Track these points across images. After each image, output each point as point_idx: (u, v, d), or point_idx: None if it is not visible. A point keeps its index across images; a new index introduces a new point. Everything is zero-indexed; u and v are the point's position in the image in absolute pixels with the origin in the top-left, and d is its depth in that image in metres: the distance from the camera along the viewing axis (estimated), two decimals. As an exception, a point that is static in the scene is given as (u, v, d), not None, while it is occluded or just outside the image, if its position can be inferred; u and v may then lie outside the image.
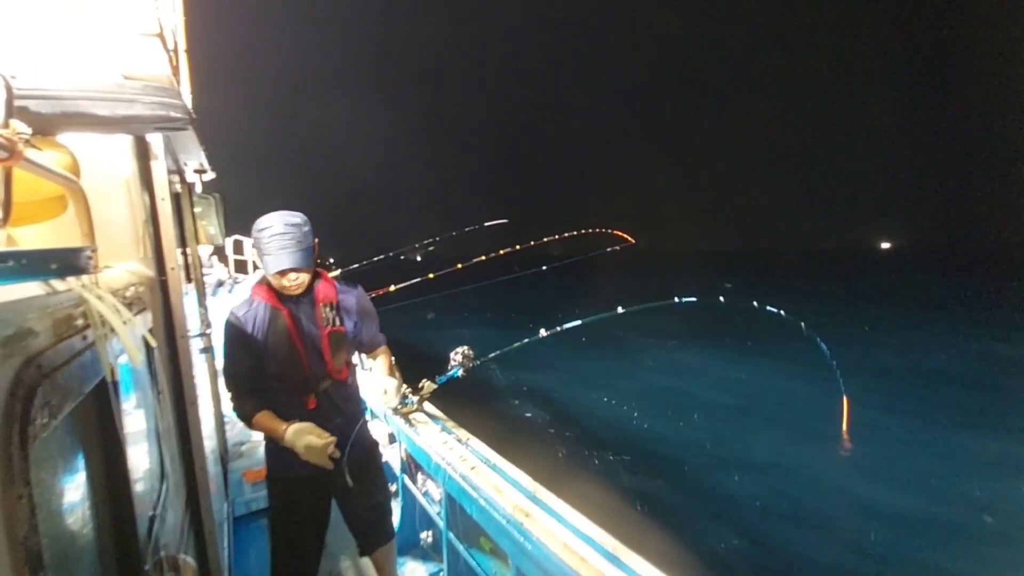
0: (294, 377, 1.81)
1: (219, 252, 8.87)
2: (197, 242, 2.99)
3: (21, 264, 0.56)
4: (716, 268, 63.45)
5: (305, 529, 1.92)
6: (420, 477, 2.64)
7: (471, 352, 2.57)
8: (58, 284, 0.68)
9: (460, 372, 2.51)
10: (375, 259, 4.52)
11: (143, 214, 1.48)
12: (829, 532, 5.64)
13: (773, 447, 7.79)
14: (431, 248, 4.79)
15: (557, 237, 4.67)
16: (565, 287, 28.56)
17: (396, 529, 2.19)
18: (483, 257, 4.36)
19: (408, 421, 2.44)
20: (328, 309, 1.87)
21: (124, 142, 1.45)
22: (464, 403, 3.11)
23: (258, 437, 3.28)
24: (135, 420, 1.06)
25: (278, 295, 1.82)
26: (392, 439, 2.87)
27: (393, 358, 2.19)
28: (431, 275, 4.32)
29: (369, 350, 2.10)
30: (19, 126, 0.64)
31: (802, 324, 3.23)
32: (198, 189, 3.15)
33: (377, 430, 2.71)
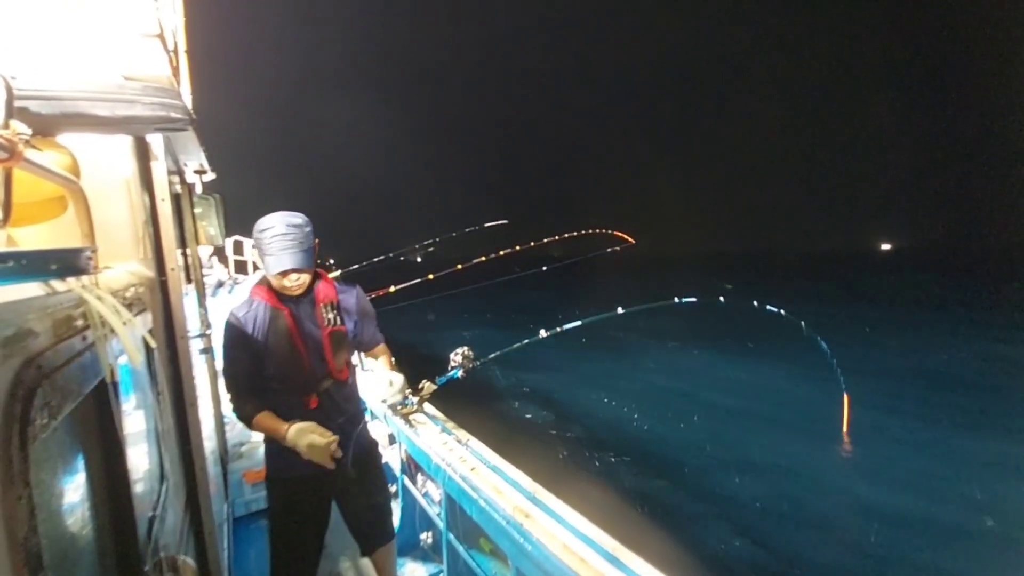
0: (294, 377, 1.81)
1: (219, 253, 8.87)
2: (197, 243, 2.99)
3: (21, 265, 0.56)
4: (716, 269, 63.48)
5: (305, 530, 1.92)
6: (420, 478, 2.64)
7: (471, 353, 2.57)
8: (58, 285, 0.68)
9: (460, 373, 2.51)
10: (375, 260, 4.52)
11: (143, 215, 1.48)
12: (829, 533, 5.63)
13: (773, 447, 7.78)
14: (431, 249, 4.79)
15: (557, 238, 4.67)
16: (565, 288, 28.56)
17: (396, 530, 2.19)
18: (483, 258, 4.36)
19: (408, 422, 2.43)
20: (328, 309, 1.87)
21: (124, 143, 1.45)
22: (464, 404, 3.11)
23: (258, 438, 3.28)
24: (135, 421, 1.06)
25: (278, 295, 1.82)
26: (392, 440, 2.87)
27: (393, 358, 2.20)
28: (431, 276, 4.32)
29: (368, 349, 2.10)
30: (19, 127, 0.64)
31: (802, 323, 3.23)
32: (198, 190, 3.15)
33: (377, 431, 2.71)
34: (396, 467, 2.85)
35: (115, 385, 0.81)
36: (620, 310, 2.96)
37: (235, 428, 3.61)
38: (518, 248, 4.45)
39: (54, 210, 0.95)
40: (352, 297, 1.97)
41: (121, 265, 1.26)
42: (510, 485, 1.77)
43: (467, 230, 4.86)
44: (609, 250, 4.76)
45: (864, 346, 13.89)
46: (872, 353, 13.09)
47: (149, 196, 1.58)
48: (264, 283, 1.85)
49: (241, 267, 9.27)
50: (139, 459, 1.02)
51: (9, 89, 0.65)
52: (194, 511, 1.61)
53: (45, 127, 0.85)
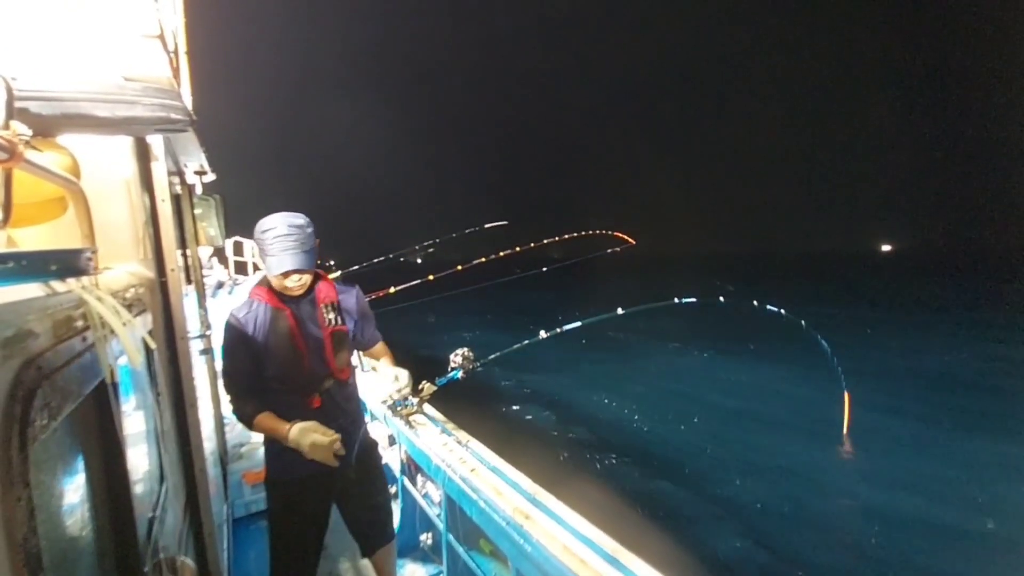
0: (295, 378, 1.81)
1: (219, 254, 8.87)
2: (197, 243, 2.99)
3: (21, 265, 0.56)
4: (716, 269, 63.49)
5: (305, 531, 1.92)
6: (420, 479, 2.64)
7: (471, 354, 2.57)
8: (58, 285, 0.68)
9: (460, 374, 2.51)
10: (375, 261, 4.51)
11: (143, 216, 1.49)
12: (830, 534, 5.63)
13: (774, 448, 7.77)
14: (431, 250, 4.79)
15: (557, 239, 4.67)
16: (565, 289, 28.55)
17: (396, 531, 2.19)
18: (483, 259, 4.36)
19: (408, 423, 2.43)
20: (329, 309, 1.88)
21: (124, 144, 1.45)
22: (464, 405, 3.11)
23: (257, 439, 3.28)
24: (134, 422, 1.06)
25: (279, 296, 1.82)
26: (392, 441, 2.87)
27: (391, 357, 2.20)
28: (431, 277, 4.32)
29: (368, 348, 2.11)
30: (19, 128, 0.64)
31: (802, 322, 3.24)
32: (198, 191, 3.15)
33: (377, 431, 2.71)
34: (396, 468, 2.85)
35: (115, 386, 0.81)
36: (620, 311, 2.96)
37: (235, 429, 3.61)
38: (518, 249, 4.45)
39: (54, 211, 0.95)
40: (352, 297, 1.98)
41: (121, 266, 1.26)
42: (510, 486, 1.77)
43: (467, 231, 4.85)
44: (609, 251, 4.77)
45: (865, 347, 13.88)
46: (872, 354, 13.08)
47: (149, 197, 1.58)
48: (264, 284, 1.86)
49: (241, 268, 9.27)
50: (139, 460, 1.02)
51: (9, 90, 0.65)
52: (194, 512, 1.61)
53: (45, 128, 0.85)
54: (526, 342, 2.84)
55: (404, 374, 2.11)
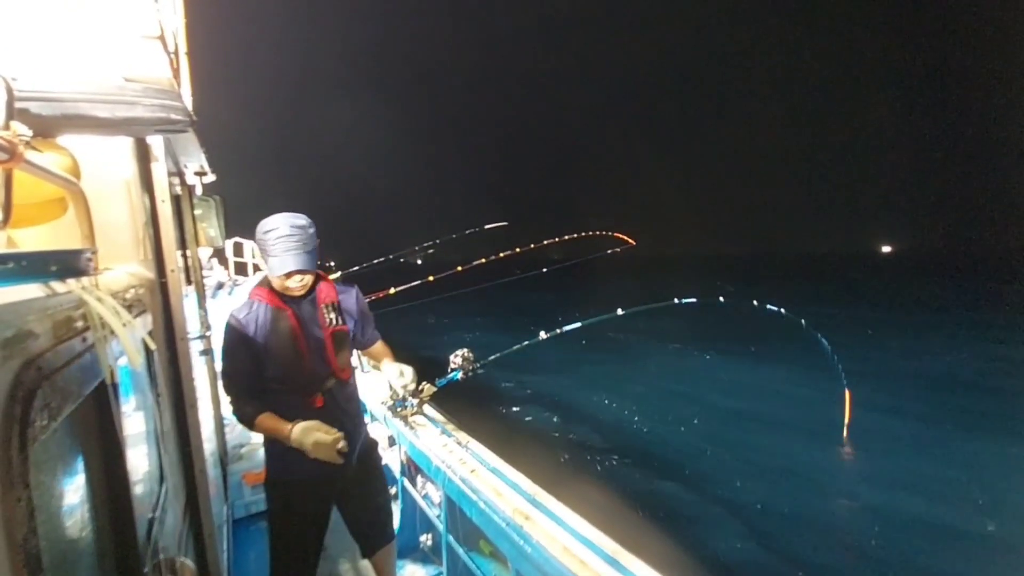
0: (295, 378, 1.81)
1: (219, 254, 8.87)
2: (197, 244, 2.99)
3: (21, 266, 0.56)
4: (716, 270, 63.49)
5: (305, 532, 1.92)
6: (420, 480, 2.64)
7: (471, 355, 2.57)
8: (58, 286, 0.68)
9: (460, 375, 2.51)
10: (375, 261, 4.52)
11: (143, 216, 1.49)
12: (830, 534, 5.62)
13: (774, 448, 7.77)
14: (431, 251, 4.79)
15: (557, 240, 4.67)
16: (565, 289, 28.55)
17: (396, 532, 2.19)
18: (483, 260, 4.36)
19: (408, 423, 2.44)
20: (330, 309, 1.88)
21: (124, 144, 1.45)
22: (464, 405, 3.11)
23: (257, 440, 3.27)
24: (134, 422, 1.06)
25: (280, 296, 1.82)
26: (392, 442, 2.87)
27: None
28: (431, 277, 4.33)
29: (367, 347, 2.12)
30: (20, 128, 0.64)
31: (802, 321, 3.24)
32: (198, 191, 3.15)
33: (377, 432, 2.71)
34: (396, 469, 2.85)
35: (115, 387, 0.81)
36: (620, 311, 2.96)
37: (235, 430, 3.61)
38: (518, 250, 4.45)
39: (54, 211, 0.95)
40: (352, 298, 1.99)
41: (121, 266, 1.26)
42: (510, 487, 1.77)
43: (467, 232, 4.85)
44: (609, 251, 4.77)
45: (865, 347, 13.88)
46: (873, 354, 13.07)
47: (149, 198, 1.58)
48: (265, 284, 1.86)
49: (241, 269, 9.26)
50: (139, 461, 1.02)
51: (10, 90, 0.65)
52: (194, 513, 1.61)
53: (45, 128, 0.85)
54: (526, 343, 2.84)
55: (409, 370, 2.11)
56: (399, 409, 2.50)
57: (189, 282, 2.43)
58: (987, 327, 17.34)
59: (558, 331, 2.88)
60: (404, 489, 2.78)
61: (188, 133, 1.63)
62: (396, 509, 2.65)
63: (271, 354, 1.78)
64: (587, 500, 1.96)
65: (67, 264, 0.68)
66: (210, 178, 2.98)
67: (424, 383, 2.49)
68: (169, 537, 1.16)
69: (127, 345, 0.70)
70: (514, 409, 9.86)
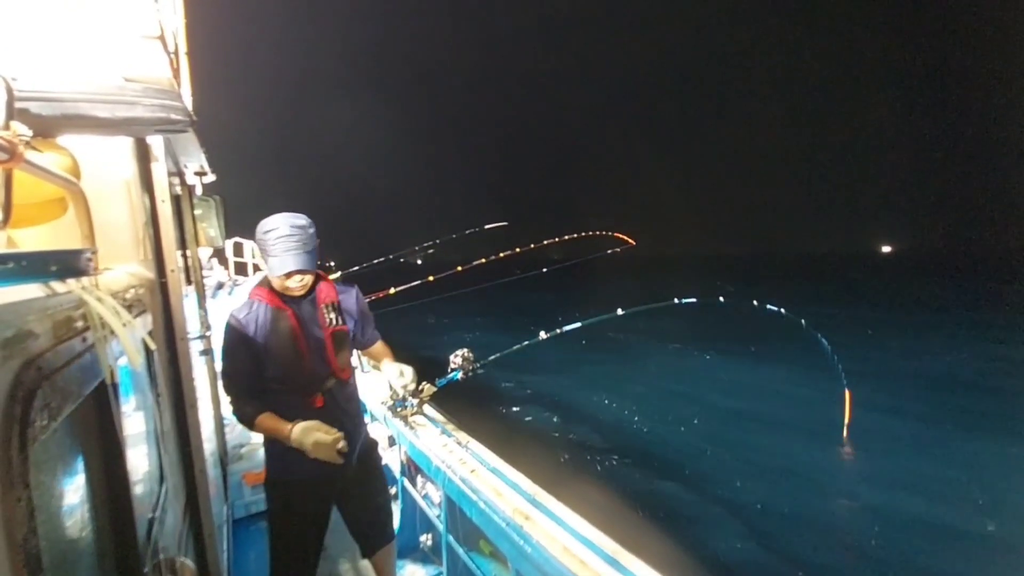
0: (295, 378, 1.81)
1: (219, 254, 8.87)
2: (197, 244, 2.99)
3: (21, 266, 0.56)
4: (716, 270, 63.48)
5: (305, 532, 1.92)
6: (420, 480, 2.64)
7: (471, 355, 2.57)
8: (58, 286, 0.68)
9: (460, 375, 2.51)
10: (375, 261, 4.52)
11: (143, 216, 1.49)
12: (831, 534, 5.62)
13: (774, 448, 7.77)
14: (431, 251, 4.79)
15: (557, 240, 4.67)
16: (565, 289, 28.55)
17: (396, 532, 2.19)
18: (483, 260, 4.36)
19: (408, 423, 2.44)
20: (330, 309, 1.88)
21: (124, 144, 1.45)
22: (464, 405, 3.11)
23: (257, 440, 3.27)
24: (134, 422, 1.06)
25: (280, 296, 1.82)
26: (392, 442, 2.87)
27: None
28: (431, 278, 4.33)
29: (367, 347, 2.12)
30: (20, 128, 0.64)
31: (802, 321, 3.24)
32: (198, 191, 3.15)
33: (376, 432, 2.71)
34: (396, 469, 2.85)
35: (115, 387, 0.81)
36: (620, 311, 2.97)
37: (235, 430, 3.61)
38: (518, 250, 4.45)
39: (54, 211, 0.95)
40: (352, 298, 1.99)
41: (121, 266, 1.26)
42: (510, 487, 1.77)
43: (467, 232, 4.86)
44: (609, 251, 4.77)
45: (865, 347, 13.88)
46: (873, 354, 13.07)
47: (149, 198, 1.58)
48: (265, 284, 1.86)
49: (241, 269, 9.26)
50: (139, 461, 1.02)
51: (10, 90, 0.65)
52: (194, 513, 1.61)
53: (45, 128, 0.85)
54: (526, 343, 2.84)
55: (409, 370, 2.12)
56: (399, 409, 2.50)
57: (189, 282, 2.43)
58: (987, 327, 17.34)
59: (558, 331, 2.88)
60: (404, 489, 2.78)
61: (188, 133, 1.63)
62: (396, 509, 2.65)
63: (271, 354, 1.78)
64: (587, 500, 1.96)
65: (67, 264, 0.68)
66: (210, 178, 2.98)
67: (424, 383, 2.49)
68: (169, 537, 1.16)
69: (127, 345, 0.70)
70: (514, 409, 9.86)
